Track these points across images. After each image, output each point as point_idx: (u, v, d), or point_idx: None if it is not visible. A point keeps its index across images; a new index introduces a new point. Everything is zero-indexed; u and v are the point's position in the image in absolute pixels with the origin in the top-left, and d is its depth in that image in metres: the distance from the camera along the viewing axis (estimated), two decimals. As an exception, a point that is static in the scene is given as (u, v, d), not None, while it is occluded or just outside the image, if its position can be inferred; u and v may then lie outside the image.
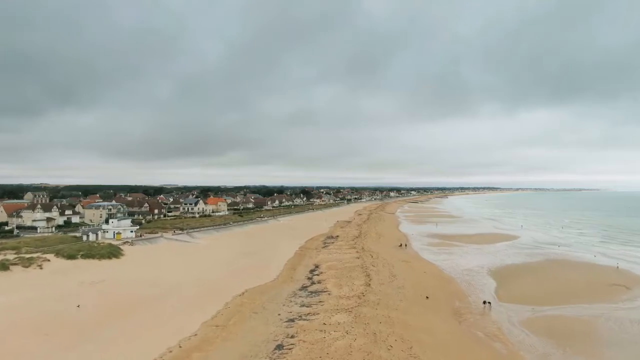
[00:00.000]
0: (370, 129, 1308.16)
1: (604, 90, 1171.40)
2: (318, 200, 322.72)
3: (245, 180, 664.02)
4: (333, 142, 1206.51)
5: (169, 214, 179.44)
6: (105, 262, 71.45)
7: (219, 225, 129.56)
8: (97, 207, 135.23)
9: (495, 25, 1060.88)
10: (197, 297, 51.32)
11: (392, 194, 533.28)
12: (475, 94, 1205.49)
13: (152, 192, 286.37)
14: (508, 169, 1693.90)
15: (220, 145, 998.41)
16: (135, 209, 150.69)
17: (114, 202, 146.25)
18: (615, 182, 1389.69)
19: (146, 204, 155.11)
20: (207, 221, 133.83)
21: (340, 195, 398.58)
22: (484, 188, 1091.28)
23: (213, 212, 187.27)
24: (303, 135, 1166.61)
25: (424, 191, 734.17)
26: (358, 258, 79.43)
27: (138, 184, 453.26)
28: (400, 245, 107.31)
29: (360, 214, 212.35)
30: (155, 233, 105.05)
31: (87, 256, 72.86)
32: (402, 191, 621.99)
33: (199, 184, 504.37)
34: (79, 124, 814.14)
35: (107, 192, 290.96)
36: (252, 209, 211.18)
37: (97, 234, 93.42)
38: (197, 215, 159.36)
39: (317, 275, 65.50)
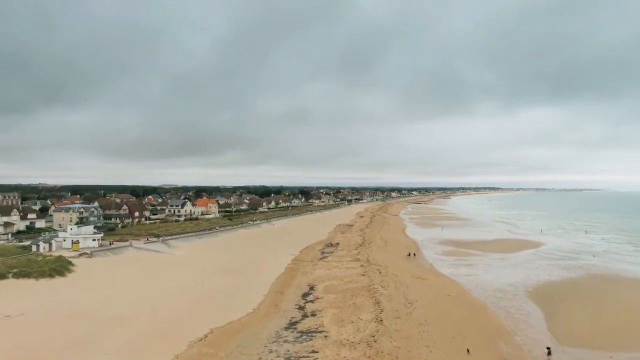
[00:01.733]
0: (368, 128, 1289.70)
1: (605, 88, 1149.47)
2: (317, 201, 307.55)
3: (246, 181, 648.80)
4: (332, 141, 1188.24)
5: (154, 216, 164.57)
6: (43, 283, 56.30)
7: (204, 230, 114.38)
8: (67, 210, 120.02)
9: (492, 20, 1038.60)
10: (137, 343, 36.16)
11: (393, 194, 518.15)
12: (473, 92, 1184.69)
13: (141, 192, 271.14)
14: (508, 169, 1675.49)
15: (218, 144, 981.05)
16: (113, 212, 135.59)
17: (86, 204, 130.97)
18: (615, 182, 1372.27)
19: (125, 206, 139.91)
20: (191, 226, 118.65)
21: (340, 195, 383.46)
22: (485, 188, 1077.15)
23: (203, 214, 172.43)
24: (301, 135, 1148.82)
25: (426, 191, 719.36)
26: (363, 275, 64.29)
27: (138, 184, 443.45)
28: (409, 254, 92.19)
29: (362, 217, 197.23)
30: (125, 241, 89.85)
31: (21, 274, 57.73)
32: (404, 191, 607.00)
33: (198, 184, 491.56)
34: (73, 123, 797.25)
35: (96, 193, 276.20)
36: (246, 210, 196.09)
37: (50, 244, 78.17)
38: (181, 219, 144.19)
39: (312, 302, 50.36)
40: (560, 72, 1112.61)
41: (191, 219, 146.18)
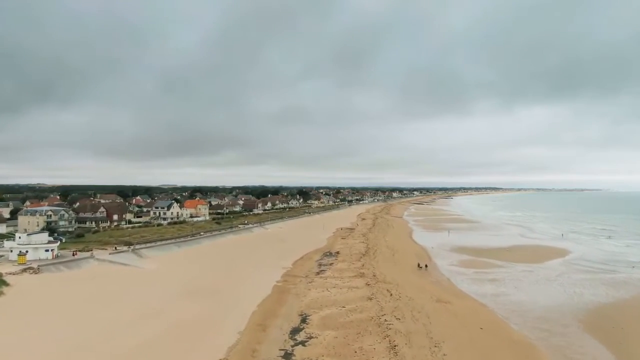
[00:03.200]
0: (366, 127, 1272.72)
1: (604, 86, 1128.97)
2: (316, 202, 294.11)
3: (245, 181, 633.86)
4: (330, 141, 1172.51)
5: (137, 219, 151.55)
6: (-48, 314, 43.02)
7: (186, 236, 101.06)
8: (33, 214, 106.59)
9: (490, 16, 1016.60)
10: None
11: (394, 194, 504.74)
12: (471, 89, 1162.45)
13: (130, 192, 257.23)
14: (507, 168, 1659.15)
15: (216, 144, 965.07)
16: (87, 215, 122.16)
17: (55, 207, 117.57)
18: (616, 182, 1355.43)
19: (102, 209, 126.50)
20: (172, 231, 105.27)
21: (340, 196, 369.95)
22: (485, 188, 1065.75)
23: (192, 216, 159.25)
24: (299, 134, 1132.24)
25: (427, 191, 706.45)
26: (370, 299, 51.00)
27: (137, 184, 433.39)
28: (421, 266, 78.72)
29: (364, 219, 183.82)
30: (87, 251, 76.52)
31: None
32: (405, 192, 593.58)
33: (198, 184, 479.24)
34: (68, 122, 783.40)
35: (86, 193, 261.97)
36: (239, 213, 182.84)
37: (-10, 256, 64.99)
38: (165, 222, 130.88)
39: (303, 343, 37.04)
40: (560, 70, 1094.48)
41: (177, 222, 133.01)
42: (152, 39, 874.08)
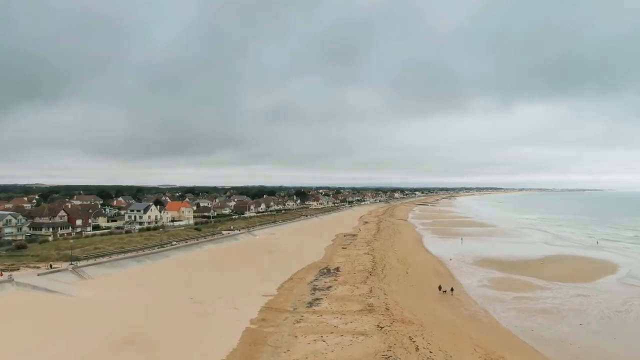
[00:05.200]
0: (363, 125, 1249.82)
1: (605, 82, 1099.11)
2: (314, 203, 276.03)
3: (245, 181, 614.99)
4: (326, 139, 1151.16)
5: (111, 224, 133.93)
6: None
7: (152, 247, 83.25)
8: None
9: (486, 7, 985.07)
10: None
11: (396, 195, 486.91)
12: (468, 86, 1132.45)
13: (114, 192, 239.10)
14: (507, 168, 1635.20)
15: (211, 143, 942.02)
16: (44, 220, 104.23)
17: (2, 212, 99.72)
18: (617, 182, 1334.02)
19: (63, 212, 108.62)
20: (137, 241, 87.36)
21: (340, 196, 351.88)
22: (487, 188, 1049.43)
23: (173, 220, 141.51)
24: (295, 133, 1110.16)
25: (429, 192, 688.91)
26: (387, 358, 33.12)
27: (135, 184, 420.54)
28: (444, 290, 60.68)
29: (366, 222, 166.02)
30: (12, 270, 58.71)
31: None
32: (406, 192, 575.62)
33: (198, 184, 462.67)
34: (58, 121, 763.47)
35: (69, 194, 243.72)
36: (228, 216, 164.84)
37: None
38: (136, 228, 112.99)
39: None
40: (559, 65, 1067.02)
41: (153, 228, 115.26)
42: (133, 34, 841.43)
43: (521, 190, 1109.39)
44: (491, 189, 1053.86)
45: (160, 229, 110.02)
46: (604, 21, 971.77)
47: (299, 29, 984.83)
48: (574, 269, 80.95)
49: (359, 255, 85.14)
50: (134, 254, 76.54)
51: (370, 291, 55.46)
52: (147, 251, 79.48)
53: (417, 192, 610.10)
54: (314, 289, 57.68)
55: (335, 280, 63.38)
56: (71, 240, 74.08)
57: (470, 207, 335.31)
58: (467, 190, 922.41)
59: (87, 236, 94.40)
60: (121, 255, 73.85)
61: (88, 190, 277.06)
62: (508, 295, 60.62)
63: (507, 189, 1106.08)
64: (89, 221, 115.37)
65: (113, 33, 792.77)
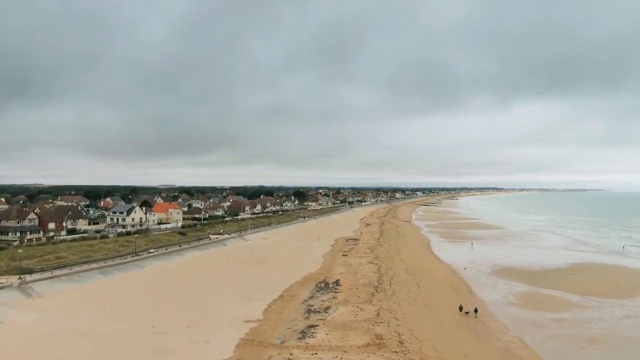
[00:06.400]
0: (360, 124, 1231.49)
1: (605, 80, 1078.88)
2: (314, 204, 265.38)
3: (244, 181, 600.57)
4: (324, 139, 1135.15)
5: (91, 227, 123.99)
6: None
7: (126, 256, 72.70)
8: None
9: (483, 3, 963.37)
10: None
11: (397, 195, 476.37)
12: (465, 84, 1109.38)
13: (102, 193, 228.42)
14: (506, 168, 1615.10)
15: (208, 142, 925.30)
16: (11, 224, 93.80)
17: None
18: (617, 182, 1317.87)
19: (32, 215, 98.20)
20: (108, 248, 76.57)
21: (340, 197, 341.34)
22: (488, 188, 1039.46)
23: (160, 223, 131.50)
24: (292, 132, 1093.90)
25: (429, 192, 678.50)
26: None
27: (134, 184, 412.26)
28: (467, 311, 50.28)
29: (368, 224, 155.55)
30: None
31: None
32: (407, 192, 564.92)
33: (198, 184, 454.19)
34: (58, 121, 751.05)
35: (53, 195, 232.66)
36: (221, 217, 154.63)
37: None
38: (114, 233, 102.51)
39: None
40: (558, 63, 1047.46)
41: (135, 232, 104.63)
42: (118, 29, 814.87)
43: (522, 190, 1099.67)
44: (492, 189, 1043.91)
45: (136, 235, 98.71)
46: (604, 19, 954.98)
47: (293, 24, 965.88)
48: (609, 280, 70.65)
49: (361, 265, 74.71)
50: (101, 264, 66.16)
51: (378, 314, 45.02)
52: (117, 260, 69.04)
53: (418, 192, 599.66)
54: (309, 311, 47.21)
55: (334, 298, 52.94)
56: (20, 250, 63.35)
57: (474, 208, 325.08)
58: (467, 190, 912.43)
59: (55, 242, 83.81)
60: (85, 267, 63.44)
61: (84, 190, 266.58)
62: (543, 316, 50.24)
63: (507, 189, 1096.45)
64: (64, 224, 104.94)
65: (97, 28, 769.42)
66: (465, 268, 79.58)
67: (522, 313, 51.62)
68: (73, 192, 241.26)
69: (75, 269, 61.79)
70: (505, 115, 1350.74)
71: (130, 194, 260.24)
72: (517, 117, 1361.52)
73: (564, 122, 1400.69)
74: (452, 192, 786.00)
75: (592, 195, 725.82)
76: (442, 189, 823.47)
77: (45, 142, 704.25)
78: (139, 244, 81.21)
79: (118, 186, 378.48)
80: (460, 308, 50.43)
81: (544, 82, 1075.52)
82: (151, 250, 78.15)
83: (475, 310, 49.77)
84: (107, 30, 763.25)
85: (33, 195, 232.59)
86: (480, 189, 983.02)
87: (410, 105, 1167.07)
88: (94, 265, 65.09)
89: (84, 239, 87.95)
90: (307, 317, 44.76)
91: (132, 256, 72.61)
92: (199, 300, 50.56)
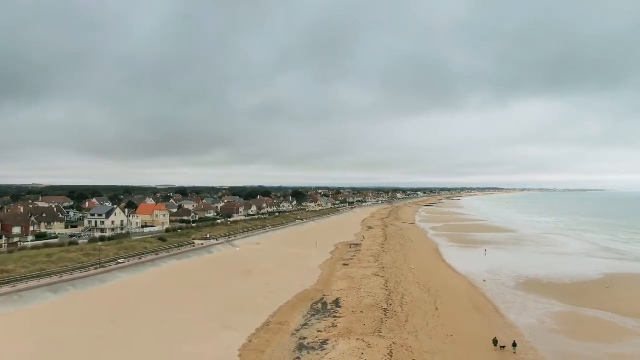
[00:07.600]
0: (357, 123, 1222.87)
1: (605, 78, 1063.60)
2: (313, 205, 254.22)
3: (244, 181, 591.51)
4: (321, 138, 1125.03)
5: (69, 230, 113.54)
6: None
7: (88, 268, 61.87)
8: None
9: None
10: None
11: (398, 195, 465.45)
12: (462, 83, 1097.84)
13: (90, 193, 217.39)
14: (507, 168, 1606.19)
15: (205, 142, 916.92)
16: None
17: None
18: (617, 182, 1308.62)
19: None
20: (72, 257, 65.74)
21: (340, 197, 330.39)
22: (488, 188, 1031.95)
23: (145, 226, 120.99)
24: (290, 132, 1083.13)
25: (430, 192, 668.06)
26: None
27: (133, 184, 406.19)
28: (502, 345, 39.43)
29: (370, 227, 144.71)
30: None
31: None
32: (408, 192, 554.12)
33: (197, 185, 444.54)
34: (54, 120, 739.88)
35: (33, 195, 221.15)
36: (212, 219, 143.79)
37: None
38: (85, 238, 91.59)
39: None
40: (557, 61, 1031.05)
41: (117, 237, 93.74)
42: (105, 26, 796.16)
43: (523, 190, 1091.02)
44: (493, 189, 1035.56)
45: (111, 240, 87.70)
46: (604, 16, 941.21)
47: (284, 20, 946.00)
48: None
49: (365, 277, 63.91)
50: (56, 278, 55.35)
51: (391, 355, 34.21)
52: (77, 274, 58.25)
53: (419, 193, 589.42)
54: (301, 348, 36.37)
55: (333, 326, 42.13)
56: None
57: (478, 208, 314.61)
58: (468, 190, 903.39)
59: (12, 251, 72.71)
60: (34, 282, 52.65)
61: (80, 191, 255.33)
62: (597, 350, 39.64)
63: (508, 189, 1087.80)
64: (32, 229, 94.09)
65: (81, 22, 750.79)
66: (485, 280, 68.96)
67: (570, 345, 40.96)
68: (62, 193, 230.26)
69: (21, 285, 50.96)
70: (504, 114, 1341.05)
71: (122, 195, 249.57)
72: (516, 116, 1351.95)
73: (563, 121, 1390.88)
74: (453, 192, 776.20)
75: (593, 196, 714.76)
76: (443, 189, 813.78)
77: (41, 141, 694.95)
78: (108, 252, 70.39)
79: (115, 186, 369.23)
80: (495, 342, 39.65)
81: (543, 80, 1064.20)
82: (120, 261, 67.25)
83: (514, 345, 38.99)
84: (93, 25, 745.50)
85: (18, 195, 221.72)
86: (481, 189, 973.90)
87: (407, 104, 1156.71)
88: (47, 280, 54.28)
89: (47, 246, 76.88)
90: (298, 358, 33.93)
91: (96, 268, 61.77)
92: (162, 330, 39.69)
